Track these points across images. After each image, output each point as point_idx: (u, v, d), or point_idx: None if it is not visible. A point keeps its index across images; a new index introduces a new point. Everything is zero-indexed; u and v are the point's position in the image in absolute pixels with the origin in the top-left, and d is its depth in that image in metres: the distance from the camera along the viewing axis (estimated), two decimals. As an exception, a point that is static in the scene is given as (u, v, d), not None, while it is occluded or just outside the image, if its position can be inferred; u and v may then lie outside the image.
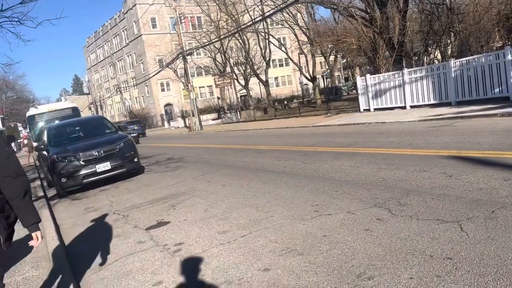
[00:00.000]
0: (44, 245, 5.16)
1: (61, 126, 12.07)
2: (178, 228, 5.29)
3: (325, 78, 61.90)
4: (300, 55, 40.10)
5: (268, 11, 29.06)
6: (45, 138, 11.11)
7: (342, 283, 3.04)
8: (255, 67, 41.67)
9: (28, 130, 19.49)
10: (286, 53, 39.03)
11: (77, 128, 11.80)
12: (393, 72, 18.07)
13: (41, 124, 15.91)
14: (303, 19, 36.95)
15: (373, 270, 3.15)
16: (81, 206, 8.29)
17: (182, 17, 38.15)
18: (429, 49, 26.10)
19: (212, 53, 43.40)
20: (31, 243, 2.62)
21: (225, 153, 12.97)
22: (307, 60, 38.88)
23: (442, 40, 25.36)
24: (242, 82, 44.34)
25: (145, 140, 30.92)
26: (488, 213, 3.87)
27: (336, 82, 51.51)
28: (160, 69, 42.42)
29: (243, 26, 32.41)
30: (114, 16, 66.81)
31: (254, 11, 34.88)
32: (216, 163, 10.86)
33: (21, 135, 37.27)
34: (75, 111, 17.35)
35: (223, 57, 43.59)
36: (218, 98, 53.33)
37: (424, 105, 16.15)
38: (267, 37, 39.58)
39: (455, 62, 15.12)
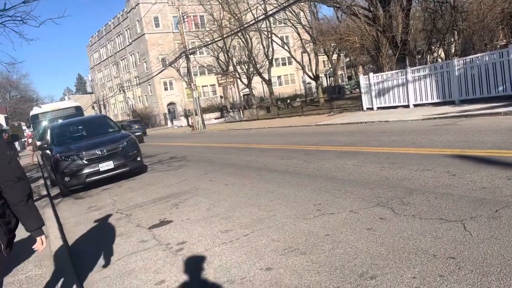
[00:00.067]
0: (47, 244, 5.17)
1: (64, 125, 12.10)
2: (181, 227, 5.30)
3: (328, 77, 61.84)
4: (303, 54, 40.01)
5: (271, 10, 29.01)
6: (48, 137, 11.16)
7: (344, 283, 3.03)
8: (258, 66, 41.66)
9: (32, 129, 19.55)
10: (289, 52, 38.94)
11: (80, 127, 11.83)
12: (396, 71, 18.00)
13: (44, 123, 15.95)
14: (306, 18, 36.85)
15: (375, 270, 3.14)
16: (84, 205, 8.32)
17: (185, 16, 38.22)
18: (433, 47, 25.94)
19: (215, 52, 43.37)
20: (35, 247, 2.57)
21: (228, 152, 12.98)
22: (310, 59, 38.77)
23: (445, 39, 25.22)
24: (245, 81, 44.36)
25: (148, 139, 30.95)
26: (492, 212, 3.85)
27: (339, 80, 51.34)
28: (163, 68, 42.51)
29: (246, 25, 32.35)
30: (117, 15, 66.97)
31: (257, 10, 34.81)
32: (219, 162, 10.86)
33: (25, 134, 37.42)
34: (79, 110, 17.39)
35: (226, 56, 43.60)
36: (221, 97, 53.30)
37: (427, 103, 16.09)
38: (270, 36, 39.50)
39: (458, 61, 15.06)
